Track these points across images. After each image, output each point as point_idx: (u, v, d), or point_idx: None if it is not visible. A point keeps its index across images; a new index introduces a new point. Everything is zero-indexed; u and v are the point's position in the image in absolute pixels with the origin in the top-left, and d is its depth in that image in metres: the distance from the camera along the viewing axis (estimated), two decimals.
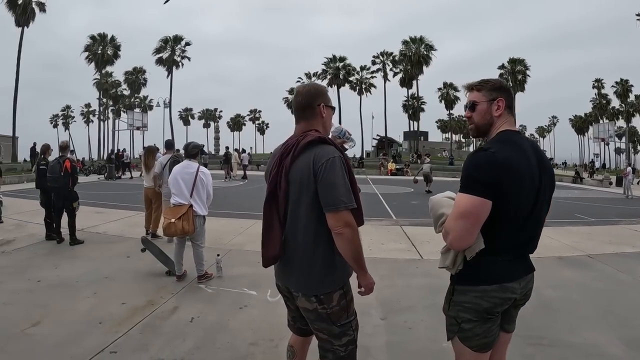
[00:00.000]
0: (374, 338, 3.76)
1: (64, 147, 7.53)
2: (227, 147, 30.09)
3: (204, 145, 6.41)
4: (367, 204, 14.53)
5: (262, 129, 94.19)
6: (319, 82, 56.84)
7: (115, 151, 29.76)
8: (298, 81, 61.59)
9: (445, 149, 60.85)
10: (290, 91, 65.74)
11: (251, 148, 62.88)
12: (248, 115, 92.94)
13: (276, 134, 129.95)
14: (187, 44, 52.74)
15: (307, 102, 2.12)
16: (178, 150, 8.70)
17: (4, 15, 36.80)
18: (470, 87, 2.04)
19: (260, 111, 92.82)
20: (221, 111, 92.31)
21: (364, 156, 46.61)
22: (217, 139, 50.51)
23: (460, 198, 1.78)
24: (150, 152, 8.47)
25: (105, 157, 29.36)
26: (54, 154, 7.75)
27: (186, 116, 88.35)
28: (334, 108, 2.24)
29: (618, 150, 76.57)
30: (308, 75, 60.02)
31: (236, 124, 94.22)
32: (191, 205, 5.04)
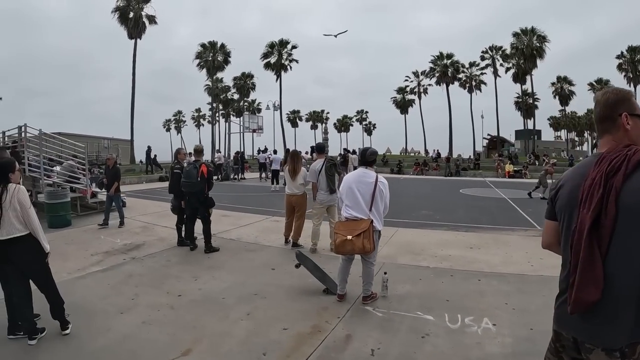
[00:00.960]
0: None
1: (199, 151, 7.37)
2: (345, 149, 30.21)
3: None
4: (501, 211, 14.07)
5: (369, 130, 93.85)
6: (427, 80, 55.76)
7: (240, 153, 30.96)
8: (406, 80, 60.80)
9: (563, 149, 56.28)
10: (399, 90, 65.13)
11: (359, 149, 63.50)
12: (355, 116, 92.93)
13: (383, 134, 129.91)
14: (294, 47, 53.87)
15: (607, 113, 1.82)
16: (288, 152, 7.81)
17: (117, 28, 39.92)
18: None
19: (367, 112, 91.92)
20: (328, 112, 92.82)
21: (475, 157, 44.47)
22: (325, 140, 51.22)
23: None
24: (295, 156, 7.78)
25: (228, 159, 30.69)
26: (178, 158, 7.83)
27: (294, 118, 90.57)
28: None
29: None
30: (416, 74, 58.95)
31: (343, 124, 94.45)
32: (372, 221, 4.49)
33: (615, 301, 1.61)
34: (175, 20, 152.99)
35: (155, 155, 29.19)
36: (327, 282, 5.11)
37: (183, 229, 7.43)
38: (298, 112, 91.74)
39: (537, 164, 38.98)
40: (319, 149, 7.67)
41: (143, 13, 39.87)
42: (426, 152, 53.36)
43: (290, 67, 53.95)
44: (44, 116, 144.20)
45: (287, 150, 24.05)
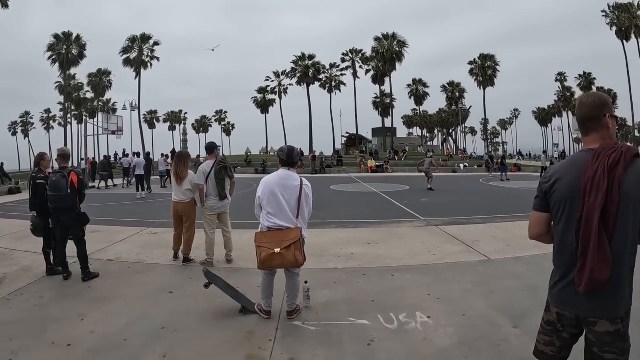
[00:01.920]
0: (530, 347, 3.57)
1: (66, 156, 6.11)
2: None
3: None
4: (381, 205, 14.85)
5: (228, 130, 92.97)
6: (288, 80, 57.08)
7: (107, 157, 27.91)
8: (267, 80, 61.39)
9: (418, 145, 61.90)
10: (259, 90, 65.60)
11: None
12: (214, 116, 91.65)
13: (242, 134, 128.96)
14: (156, 43, 51.41)
15: (593, 114, 2.10)
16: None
17: None
18: None
19: (226, 112, 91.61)
20: (186, 113, 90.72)
21: (334, 154, 46.66)
22: (184, 142, 49.26)
23: None
24: (182, 158, 6.89)
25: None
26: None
27: (151, 119, 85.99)
28: (617, 118, 2.18)
29: (577, 140, 79.76)
30: (277, 74, 59.96)
31: (202, 125, 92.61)
32: (301, 230, 4.14)
33: (618, 276, 1.94)
34: (25, 7, 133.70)
35: (2, 164, 25.44)
36: (242, 300, 4.58)
37: (52, 253, 6.15)
38: (155, 112, 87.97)
39: (396, 159, 42.05)
40: (209, 148, 6.88)
41: None
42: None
43: (151, 65, 51.63)
44: None
45: (168, 153, 22.72)
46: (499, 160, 30.46)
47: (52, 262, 6.12)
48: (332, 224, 9.87)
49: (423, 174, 19.85)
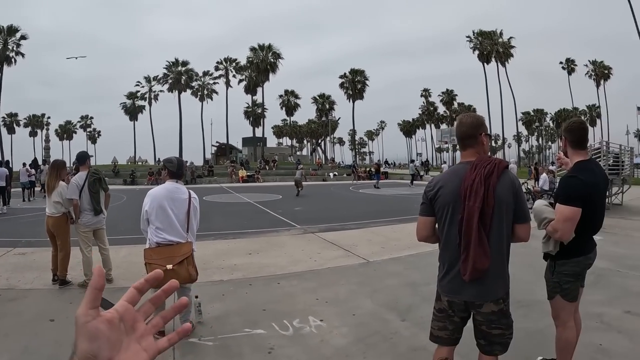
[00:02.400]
0: (420, 336, 3.81)
1: None
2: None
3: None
4: (256, 214, 14.94)
5: (93, 138, 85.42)
6: (159, 86, 54.77)
7: None
8: (137, 85, 57.98)
9: (288, 154, 63.02)
10: (129, 95, 61.48)
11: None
12: (79, 122, 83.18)
13: (109, 142, 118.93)
14: (23, 37, 44.69)
15: (471, 132, 2.46)
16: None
17: None
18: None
19: (92, 117, 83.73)
20: (49, 117, 79.65)
21: (205, 164, 45.57)
22: (47, 149, 43.87)
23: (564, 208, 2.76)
24: (55, 167, 6.21)
25: None
26: None
27: (11, 122, 75.39)
28: (490, 136, 2.62)
29: (439, 149, 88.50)
30: (148, 80, 56.80)
31: (66, 132, 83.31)
32: (192, 244, 4.09)
33: (496, 265, 2.31)
34: None
35: None
36: None
37: None
38: (16, 115, 76.45)
39: (267, 168, 42.29)
40: (81, 158, 6.20)
41: None
42: (158, 160, 51.90)
43: (15, 61, 45.04)
44: None
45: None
46: (373, 169, 32.61)
47: None
48: (210, 236, 9.59)
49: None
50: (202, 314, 4.51)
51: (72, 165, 16.17)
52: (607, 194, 14.09)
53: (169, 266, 3.77)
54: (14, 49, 45.22)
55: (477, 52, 57.47)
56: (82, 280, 5.83)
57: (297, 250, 7.97)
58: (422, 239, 2.58)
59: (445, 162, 47.73)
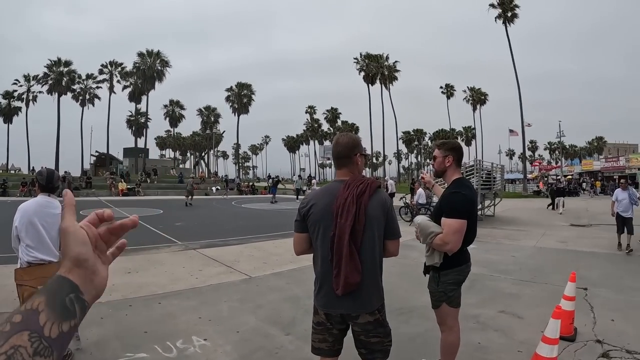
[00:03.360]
0: (305, 349, 3.99)
1: None
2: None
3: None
4: (135, 230, 13.40)
5: None
6: (39, 87, 49.85)
7: None
8: (15, 84, 51.83)
9: (171, 167, 60.69)
10: (5, 95, 54.12)
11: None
12: None
13: None
14: None
15: (346, 153, 2.58)
16: None
17: None
18: (436, 145, 3.38)
19: None
20: None
21: (82, 175, 42.30)
22: None
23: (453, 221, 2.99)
24: None
25: None
26: None
27: None
28: (366, 155, 2.75)
29: (322, 165, 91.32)
30: (27, 78, 50.75)
31: None
32: None
33: (368, 278, 2.42)
34: None
35: None
36: None
37: None
38: None
39: (148, 181, 40.42)
40: None
41: None
42: (32, 169, 47.10)
43: None
44: None
45: None
46: (272, 181, 33.16)
47: None
48: None
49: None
50: (80, 340, 4.20)
51: None
52: (480, 206, 15.79)
53: (40, 287, 3.50)
54: None
55: (362, 73, 60.73)
56: None
57: (177, 267, 7.76)
58: (300, 254, 2.67)
59: (300, 175, 48.62)
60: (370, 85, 61.00)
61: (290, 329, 4.59)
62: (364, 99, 63.18)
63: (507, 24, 45.70)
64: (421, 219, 3.27)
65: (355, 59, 60.89)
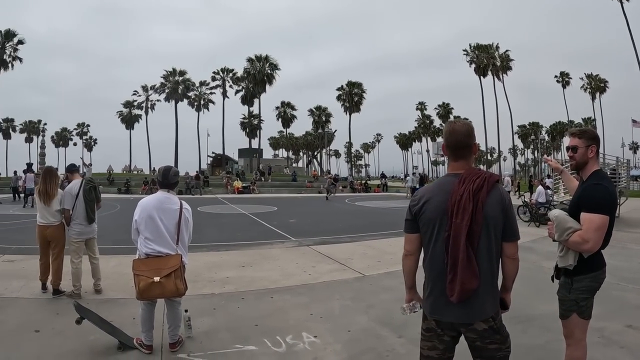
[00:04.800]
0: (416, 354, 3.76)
1: None
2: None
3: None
4: (250, 226, 14.81)
5: (89, 145, 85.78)
6: (156, 96, 55.23)
7: None
8: (134, 94, 58.12)
9: (285, 166, 63.14)
10: (126, 104, 61.58)
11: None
12: (75, 129, 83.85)
13: (105, 150, 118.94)
14: (20, 42, 45.43)
15: (467, 141, 2.33)
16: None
17: None
18: (573, 134, 2.94)
19: (88, 125, 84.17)
20: (45, 124, 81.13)
21: (200, 174, 45.53)
22: (42, 155, 43.72)
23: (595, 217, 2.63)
24: (52, 175, 6.07)
25: None
26: None
27: (7, 128, 75.80)
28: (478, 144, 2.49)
29: (435, 162, 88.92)
30: (145, 89, 56.87)
31: (62, 138, 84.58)
32: (181, 257, 3.93)
33: (483, 284, 2.19)
34: None
35: None
36: (119, 335, 4.12)
37: None
38: (12, 120, 78.40)
39: (262, 180, 42.23)
40: (72, 168, 6.28)
41: None
42: (153, 170, 51.80)
43: (12, 66, 45.58)
44: None
45: None
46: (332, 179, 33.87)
47: None
48: (203, 247, 9.39)
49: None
50: (192, 329, 4.37)
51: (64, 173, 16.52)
52: None
53: (156, 278, 3.66)
54: (11, 53, 45.81)
55: (473, 65, 57.98)
56: (70, 290, 5.68)
57: (290, 263, 7.86)
58: (409, 255, 2.45)
59: (414, 172, 46.92)
60: (481, 77, 57.96)
61: (402, 331, 4.32)
62: (476, 93, 60.31)
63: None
64: (559, 212, 2.91)
65: (465, 50, 58.30)
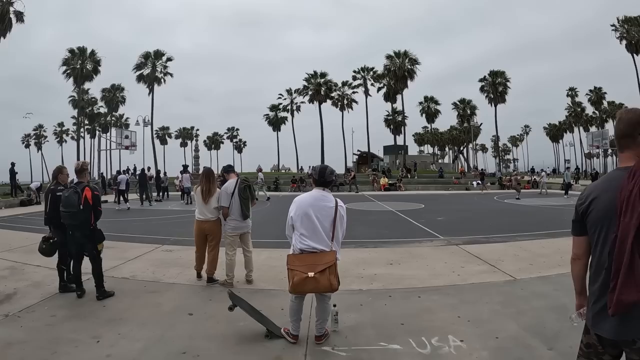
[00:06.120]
0: None
1: (82, 170, 6.01)
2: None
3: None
4: (398, 223, 14.85)
5: (239, 147, 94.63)
6: (300, 98, 57.71)
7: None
8: (279, 97, 62.18)
9: (430, 162, 61.99)
10: (272, 108, 66.51)
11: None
12: (226, 133, 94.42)
13: (253, 151, 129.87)
14: (169, 59, 52.33)
15: (628, 131, 2.07)
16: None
17: None
18: None
19: (237, 129, 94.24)
20: (198, 130, 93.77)
21: (346, 172, 46.72)
22: (196, 157, 49.92)
23: None
24: (210, 175, 6.81)
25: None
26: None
27: (163, 135, 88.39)
28: None
29: (588, 155, 79.32)
30: (289, 92, 60.53)
31: (214, 142, 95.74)
32: (336, 253, 4.02)
33: None
34: (37, 21, 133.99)
35: (15, 173, 25.05)
36: (268, 324, 4.40)
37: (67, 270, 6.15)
38: (167, 128, 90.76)
39: (409, 176, 41.96)
40: (229, 169, 6.91)
41: (11, 9, 35.03)
42: (300, 169, 54.53)
43: (164, 81, 52.56)
44: None
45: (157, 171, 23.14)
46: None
47: (65, 278, 6.08)
48: (351, 244, 9.64)
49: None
50: (339, 323, 4.52)
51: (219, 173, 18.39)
52: None
53: (310, 274, 3.79)
54: (162, 70, 52.06)
55: (624, 41, 49.86)
56: (223, 279, 6.44)
57: (438, 262, 7.79)
58: (577, 260, 2.28)
59: (568, 167, 41.42)
60: (634, 54, 49.18)
61: (553, 344, 4.04)
62: (629, 73, 51.18)
63: None
64: None
65: (613, 25, 48.93)
